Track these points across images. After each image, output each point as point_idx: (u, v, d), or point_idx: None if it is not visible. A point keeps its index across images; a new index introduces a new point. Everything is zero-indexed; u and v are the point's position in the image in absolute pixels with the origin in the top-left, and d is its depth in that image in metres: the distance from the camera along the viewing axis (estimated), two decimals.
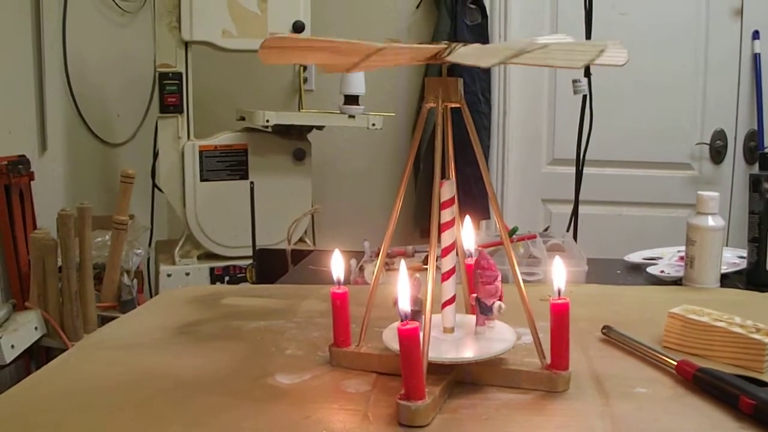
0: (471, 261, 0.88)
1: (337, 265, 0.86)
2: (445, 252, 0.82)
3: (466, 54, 0.72)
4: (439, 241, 0.81)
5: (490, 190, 0.84)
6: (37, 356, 1.96)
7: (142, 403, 0.77)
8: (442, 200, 0.81)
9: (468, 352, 0.79)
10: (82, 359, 0.94)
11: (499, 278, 0.82)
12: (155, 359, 0.92)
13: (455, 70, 0.83)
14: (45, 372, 0.90)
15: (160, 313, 1.14)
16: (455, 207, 0.82)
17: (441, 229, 0.81)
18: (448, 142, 0.81)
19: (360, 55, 0.70)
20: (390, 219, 0.84)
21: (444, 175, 0.81)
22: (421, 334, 0.71)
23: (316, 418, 0.73)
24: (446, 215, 0.82)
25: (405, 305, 0.69)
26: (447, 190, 0.81)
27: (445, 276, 0.83)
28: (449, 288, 0.83)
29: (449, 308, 0.83)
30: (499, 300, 0.83)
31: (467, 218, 0.90)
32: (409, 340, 0.67)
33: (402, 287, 0.70)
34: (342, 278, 0.86)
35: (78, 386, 0.83)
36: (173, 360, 0.92)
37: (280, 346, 0.96)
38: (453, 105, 0.80)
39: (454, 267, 0.83)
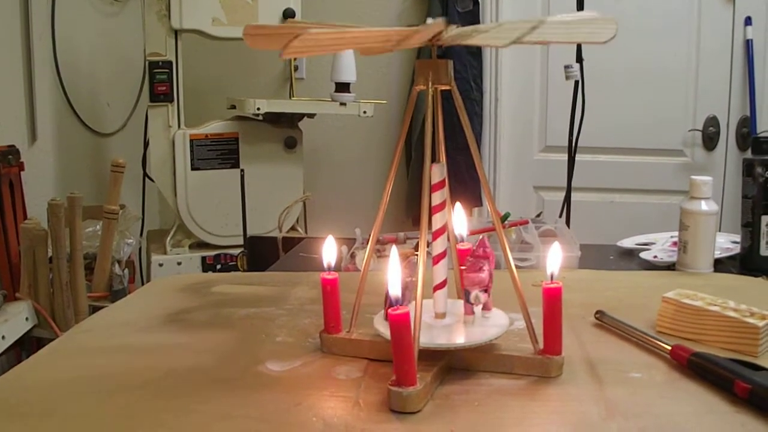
0: (463, 246, 0.87)
1: (328, 250, 0.86)
2: (436, 235, 0.81)
3: (461, 34, 0.71)
4: (430, 225, 0.80)
5: (481, 172, 0.84)
6: (28, 347, 1.95)
7: (132, 392, 0.76)
8: (432, 183, 0.80)
9: (460, 337, 0.78)
10: (71, 348, 0.93)
11: (487, 268, 0.81)
12: (145, 347, 0.91)
13: (447, 55, 0.82)
14: (33, 361, 0.89)
15: (150, 302, 1.13)
16: (446, 190, 0.82)
17: (431, 212, 0.80)
18: (438, 125, 0.80)
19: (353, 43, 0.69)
20: (380, 205, 0.83)
21: (434, 159, 0.80)
22: (412, 320, 0.70)
23: (306, 405, 0.72)
24: (436, 198, 0.81)
25: (395, 290, 0.68)
26: (437, 172, 0.80)
27: (436, 260, 0.82)
28: (440, 272, 0.82)
29: (440, 293, 0.83)
30: (485, 291, 0.81)
31: (458, 204, 0.89)
32: (400, 325, 0.66)
33: (392, 272, 0.69)
34: (333, 264, 0.85)
35: (66, 375, 0.82)
36: (163, 348, 0.91)
37: (271, 333, 0.95)
38: (443, 87, 0.79)
39: (445, 250, 0.82)
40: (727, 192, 2.74)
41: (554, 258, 0.76)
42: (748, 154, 1.30)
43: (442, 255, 0.82)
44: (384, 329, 0.78)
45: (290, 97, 3.09)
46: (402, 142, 0.85)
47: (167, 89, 2.40)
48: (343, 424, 0.68)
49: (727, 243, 1.42)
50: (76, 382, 0.80)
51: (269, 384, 0.78)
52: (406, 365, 0.69)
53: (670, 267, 1.31)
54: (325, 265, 0.85)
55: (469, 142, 0.82)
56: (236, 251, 2.42)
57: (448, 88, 0.79)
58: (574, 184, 2.40)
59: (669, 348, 0.81)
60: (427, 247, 0.80)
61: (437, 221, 0.81)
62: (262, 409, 0.72)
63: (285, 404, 0.72)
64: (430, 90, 0.78)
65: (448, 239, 0.85)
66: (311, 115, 2.67)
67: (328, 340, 0.86)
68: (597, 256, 1.43)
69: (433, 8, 2.88)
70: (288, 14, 2.44)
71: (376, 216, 0.84)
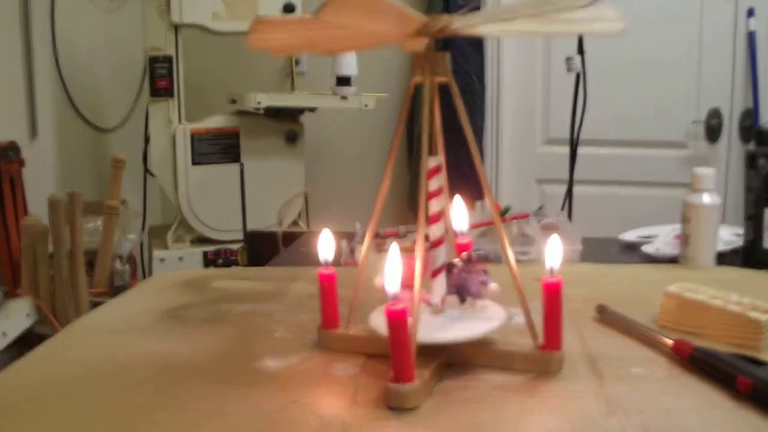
0: (462, 240, 0.86)
1: (325, 245, 0.85)
2: (433, 220, 0.80)
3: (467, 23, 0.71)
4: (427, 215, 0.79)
5: (479, 165, 0.82)
6: (29, 344, 1.94)
7: (129, 389, 0.76)
8: (427, 169, 0.79)
9: (458, 332, 0.77)
10: (69, 344, 0.93)
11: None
12: (142, 344, 0.91)
13: (447, 48, 0.82)
14: (31, 357, 0.88)
15: (149, 297, 1.12)
16: (442, 176, 0.80)
17: (428, 197, 0.79)
18: (436, 118, 0.79)
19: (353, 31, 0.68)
20: (378, 198, 0.82)
21: (432, 152, 0.79)
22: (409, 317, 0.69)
23: (304, 401, 0.71)
24: (433, 184, 0.80)
25: (393, 286, 0.67)
26: (432, 160, 0.79)
27: (434, 245, 0.81)
28: (439, 258, 0.81)
29: (438, 279, 0.81)
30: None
31: (457, 197, 0.88)
32: (397, 321, 0.66)
33: (390, 267, 0.69)
34: (329, 259, 0.84)
35: (64, 372, 0.82)
36: (160, 344, 0.90)
37: (269, 329, 0.94)
38: (441, 80, 0.78)
39: (443, 237, 0.81)
40: (730, 184, 2.73)
41: (553, 251, 0.75)
42: (751, 146, 1.29)
43: (440, 241, 0.81)
44: (380, 326, 0.77)
45: (291, 91, 3.08)
46: (399, 135, 0.84)
47: (168, 84, 2.40)
48: (340, 421, 0.67)
49: (730, 236, 1.41)
50: (72, 379, 0.79)
51: (266, 381, 0.77)
52: (404, 361, 0.68)
53: (673, 260, 1.30)
54: (322, 261, 0.84)
55: (467, 135, 0.81)
56: (237, 246, 2.42)
57: (446, 80, 0.78)
58: (576, 177, 2.39)
59: (671, 343, 0.81)
60: (426, 240, 0.79)
61: (433, 207, 0.80)
62: (259, 406, 0.71)
63: (282, 401, 0.72)
64: (427, 83, 0.76)
65: (447, 231, 0.84)
66: (312, 109, 2.66)
67: (326, 336, 0.86)
68: (598, 250, 1.42)
69: (434, 2, 2.87)
70: (288, 8, 2.43)
71: (374, 210, 0.83)
